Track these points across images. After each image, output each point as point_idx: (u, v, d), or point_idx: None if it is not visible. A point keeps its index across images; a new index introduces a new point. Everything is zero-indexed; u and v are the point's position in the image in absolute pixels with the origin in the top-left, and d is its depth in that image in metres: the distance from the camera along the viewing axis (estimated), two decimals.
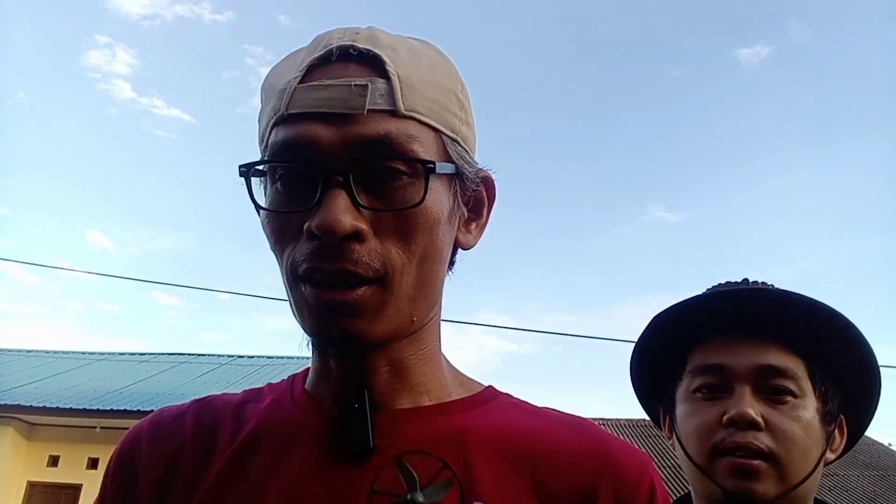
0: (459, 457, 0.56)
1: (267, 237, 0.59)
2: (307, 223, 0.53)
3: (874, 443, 18.46)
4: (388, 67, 0.55)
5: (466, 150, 0.62)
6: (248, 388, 0.70)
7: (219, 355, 14.96)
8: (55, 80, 26.35)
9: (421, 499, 0.43)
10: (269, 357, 14.80)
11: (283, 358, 14.36)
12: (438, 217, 0.57)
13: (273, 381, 0.70)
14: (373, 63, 0.56)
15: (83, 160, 27.24)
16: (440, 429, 0.59)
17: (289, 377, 0.69)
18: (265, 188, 0.59)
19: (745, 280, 0.97)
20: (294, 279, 0.56)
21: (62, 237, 30.08)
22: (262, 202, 0.59)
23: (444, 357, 0.66)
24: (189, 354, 15.21)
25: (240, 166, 0.58)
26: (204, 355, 14.99)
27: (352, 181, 0.53)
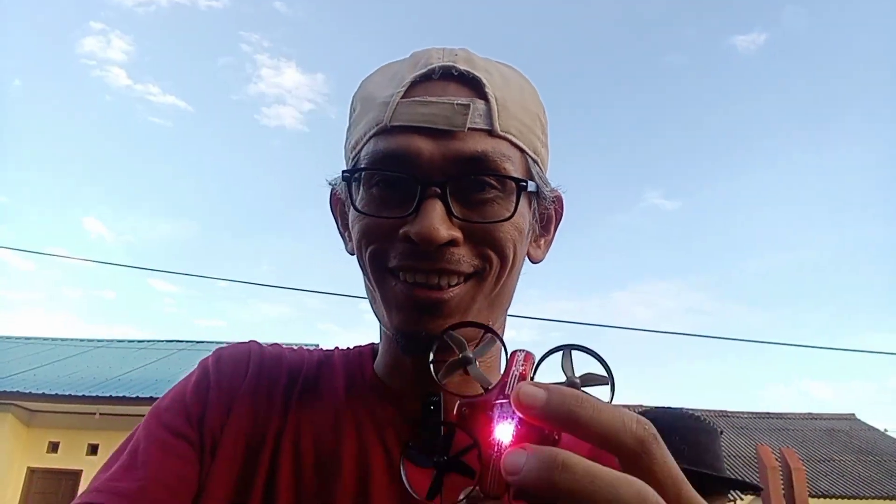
0: None
1: (352, 235, 0.63)
2: (403, 228, 0.57)
3: (870, 428, 18.57)
4: (486, 90, 0.60)
5: (543, 171, 0.66)
6: None
7: (217, 342, 14.98)
8: (50, 67, 26.26)
9: (471, 355, 0.46)
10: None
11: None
12: (522, 231, 0.62)
13: (341, 348, 0.74)
14: (472, 84, 0.60)
15: (79, 148, 27.18)
16: None
17: (356, 351, 0.73)
18: (356, 191, 0.63)
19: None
20: (381, 272, 0.60)
21: (59, 225, 30.11)
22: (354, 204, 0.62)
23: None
24: (187, 342, 15.24)
25: (343, 171, 0.63)
26: (202, 342, 15.02)
27: (448, 193, 0.57)
